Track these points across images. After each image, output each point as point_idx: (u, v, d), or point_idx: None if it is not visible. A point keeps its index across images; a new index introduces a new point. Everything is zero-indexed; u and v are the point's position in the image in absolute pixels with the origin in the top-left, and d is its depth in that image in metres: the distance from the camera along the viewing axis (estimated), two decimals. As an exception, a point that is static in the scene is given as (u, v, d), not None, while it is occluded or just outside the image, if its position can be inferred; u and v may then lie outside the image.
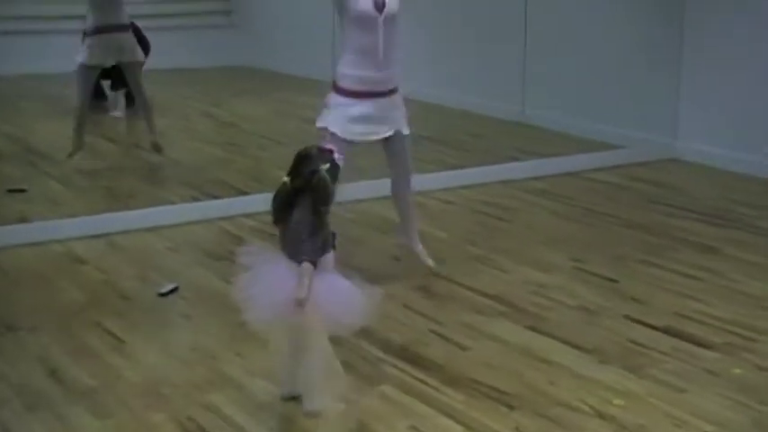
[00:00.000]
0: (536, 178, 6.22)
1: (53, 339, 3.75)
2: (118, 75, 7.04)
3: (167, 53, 8.67)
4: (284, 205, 3.14)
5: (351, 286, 3.11)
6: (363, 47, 4.04)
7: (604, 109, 7.25)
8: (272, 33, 10.45)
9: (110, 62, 6.51)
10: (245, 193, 5.79)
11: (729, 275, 4.48)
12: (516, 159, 6.65)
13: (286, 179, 3.14)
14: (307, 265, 3.06)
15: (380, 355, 3.59)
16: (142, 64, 6.56)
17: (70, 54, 6.36)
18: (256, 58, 10.09)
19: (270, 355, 3.34)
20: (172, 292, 4.24)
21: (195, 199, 5.72)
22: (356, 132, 4.11)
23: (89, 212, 5.37)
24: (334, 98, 4.16)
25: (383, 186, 4.63)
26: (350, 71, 4.09)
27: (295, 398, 3.20)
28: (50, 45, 8.41)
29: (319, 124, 4.18)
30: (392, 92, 4.20)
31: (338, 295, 3.10)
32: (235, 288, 3.16)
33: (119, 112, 8.15)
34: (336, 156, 3.19)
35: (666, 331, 3.83)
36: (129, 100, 7.74)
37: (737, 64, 6.42)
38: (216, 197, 5.72)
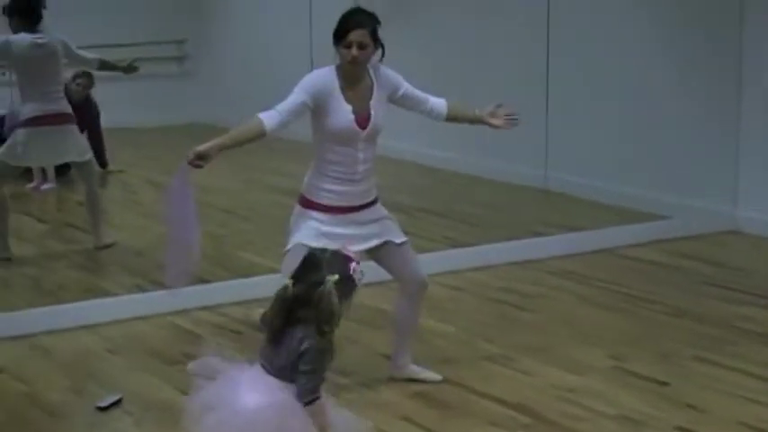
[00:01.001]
0: (563, 257, 6.26)
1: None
2: None
3: (110, 109, 8.79)
4: (282, 313, 3.18)
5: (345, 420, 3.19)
6: (340, 161, 4.23)
7: (645, 172, 7.34)
8: (234, 83, 10.59)
9: (47, 163, 6.61)
10: (203, 282, 5.78)
11: (804, 374, 4.49)
12: (539, 234, 6.69)
13: (288, 282, 3.20)
14: (320, 403, 3.14)
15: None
16: (91, 162, 6.66)
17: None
18: (214, 112, 10.17)
19: None
20: (114, 405, 4.21)
21: (141, 289, 5.71)
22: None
23: (8, 309, 5.36)
24: (303, 213, 4.26)
25: (370, 271, 4.63)
26: (324, 185, 4.25)
27: None
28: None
29: (288, 247, 4.24)
30: (371, 203, 4.35)
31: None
32: (189, 407, 3.16)
33: (49, 183, 8.21)
34: (353, 266, 3.23)
35: (730, 446, 3.83)
36: (61, 167, 7.80)
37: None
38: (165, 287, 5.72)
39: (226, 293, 5.60)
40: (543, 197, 7.84)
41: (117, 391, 4.33)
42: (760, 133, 6.78)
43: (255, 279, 5.65)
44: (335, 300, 3.14)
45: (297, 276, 3.20)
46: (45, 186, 8.19)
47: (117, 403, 4.23)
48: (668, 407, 4.17)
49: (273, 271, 4.76)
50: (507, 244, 6.43)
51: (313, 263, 3.21)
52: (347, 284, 3.19)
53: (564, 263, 6.16)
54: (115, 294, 5.63)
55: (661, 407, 4.17)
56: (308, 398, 3.12)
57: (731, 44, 6.85)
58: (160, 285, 5.66)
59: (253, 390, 3.13)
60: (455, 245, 6.43)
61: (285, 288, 3.18)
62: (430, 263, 5.55)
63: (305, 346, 3.12)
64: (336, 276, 3.15)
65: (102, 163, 8.64)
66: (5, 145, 6.32)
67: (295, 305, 3.16)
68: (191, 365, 3.20)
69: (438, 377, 4.46)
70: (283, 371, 3.15)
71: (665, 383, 4.41)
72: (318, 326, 3.14)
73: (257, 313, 3.54)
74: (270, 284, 4.38)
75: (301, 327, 3.15)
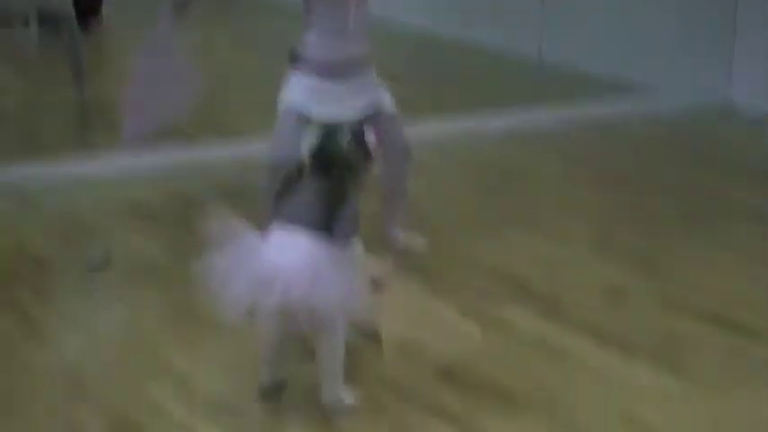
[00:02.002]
0: (553, 129, 6.22)
1: (-48, 319, 3.74)
2: None
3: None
4: (294, 181, 3.19)
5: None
6: (331, 28, 4.14)
7: (639, 46, 7.24)
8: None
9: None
10: (195, 141, 5.75)
11: (789, 252, 4.51)
12: (528, 106, 6.63)
13: (304, 152, 3.21)
14: (359, 245, 3.17)
15: (359, 344, 3.57)
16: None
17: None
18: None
19: (219, 340, 3.38)
20: (103, 262, 4.21)
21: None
22: (326, 114, 4.14)
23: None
24: (296, 79, 4.19)
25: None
26: (316, 53, 4.17)
27: (279, 387, 3.24)
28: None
29: (281, 107, 4.20)
30: (363, 70, 4.26)
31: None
32: (199, 270, 3.13)
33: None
34: (370, 139, 3.28)
35: (712, 320, 3.84)
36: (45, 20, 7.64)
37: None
38: (158, 145, 5.67)
39: (216, 154, 5.57)
40: (536, 70, 7.79)
41: (106, 248, 4.32)
42: (758, 10, 6.67)
43: (246, 140, 5.61)
44: (356, 159, 3.20)
45: (314, 153, 3.21)
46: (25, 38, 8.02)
47: (106, 261, 4.22)
48: (652, 280, 4.19)
49: (265, 133, 4.73)
50: (498, 115, 6.39)
51: (332, 130, 3.23)
52: (364, 150, 3.23)
53: (554, 135, 6.14)
54: (106, 151, 5.59)
55: (645, 280, 4.19)
56: (354, 235, 3.16)
57: None
58: (151, 143, 5.66)
59: (281, 247, 3.10)
60: (443, 112, 6.37)
61: (302, 162, 3.20)
62: (419, 132, 5.50)
63: (341, 193, 3.15)
64: (353, 140, 3.21)
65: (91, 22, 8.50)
66: None
67: (307, 174, 3.18)
68: (205, 229, 3.16)
69: (424, 246, 4.46)
70: (310, 223, 3.11)
71: (649, 257, 4.42)
72: (343, 183, 3.18)
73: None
74: (261, 147, 4.37)
75: (324, 180, 3.16)
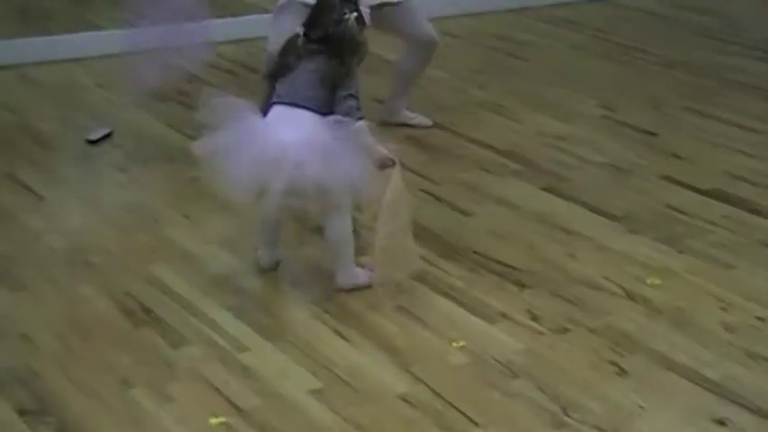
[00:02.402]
0: (558, 4, 6.16)
1: (-45, 195, 3.73)
2: None
3: None
4: (291, 58, 3.11)
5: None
6: None
7: None
8: None
9: None
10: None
11: (792, 127, 4.49)
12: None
13: (299, 30, 3.13)
14: (364, 124, 3.10)
15: (363, 219, 3.56)
16: None
17: None
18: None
19: (221, 218, 3.39)
20: (104, 138, 4.19)
21: (131, 24, 5.59)
22: None
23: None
24: None
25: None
26: None
27: (278, 265, 3.26)
28: None
29: None
30: None
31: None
32: (202, 148, 3.11)
33: None
34: (363, 8, 3.19)
35: (713, 195, 3.84)
36: None
37: None
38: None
39: (218, 32, 5.48)
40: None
41: (107, 124, 4.29)
42: None
43: (248, 17, 5.55)
44: (359, 32, 3.12)
45: (309, 22, 3.14)
46: None
47: (107, 137, 4.21)
48: (655, 156, 4.18)
49: (266, 10, 4.67)
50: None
51: (327, 5, 3.13)
52: (361, 23, 3.15)
53: (558, 10, 6.10)
54: (105, 28, 5.52)
55: (648, 156, 4.18)
56: (359, 114, 3.09)
57: None
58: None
59: (286, 125, 3.05)
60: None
61: (296, 35, 3.12)
62: (422, 6, 5.43)
63: (327, 70, 3.07)
64: (355, 13, 3.11)
65: None
66: None
67: (306, 50, 3.10)
68: (205, 109, 3.12)
69: (429, 122, 4.43)
70: (310, 101, 3.07)
71: (653, 133, 4.40)
72: (343, 59, 3.09)
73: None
74: (262, 23, 4.30)
75: (323, 57, 3.08)
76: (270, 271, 3.27)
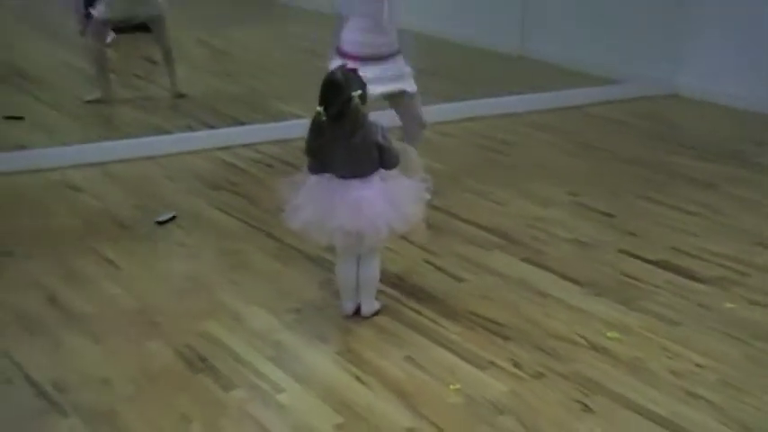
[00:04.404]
0: (537, 112, 6.18)
1: (50, 265, 3.75)
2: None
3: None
4: (319, 134, 3.11)
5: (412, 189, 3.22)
6: (369, 12, 4.11)
7: (605, 43, 7.17)
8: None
9: (130, 18, 6.10)
10: (241, 123, 5.75)
11: (726, 211, 4.48)
12: (517, 93, 6.58)
13: (320, 109, 3.08)
14: (407, 147, 3.22)
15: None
16: (165, 18, 6.25)
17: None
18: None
19: (263, 284, 3.34)
20: (169, 220, 4.23)
21: (190, 128, 5.68)
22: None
23: (85, 140, 5.34)
24: (337, 63, 4.17)
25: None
26: (355, 37, 4.15)
27: (359, 311, 3.33)
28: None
29: None
30: (394, 54, 4.26)
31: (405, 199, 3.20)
32: (292, 220, 3.16)
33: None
34: (370, 87, 3.19)
35: (661, 265, 3.84)
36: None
37: (743, -2, 6.35)
38: (211, 127, 5.69)
39: (261, 134, 5.57)
40: (521, 63, 7.71)
41: (172, 209, 4.35)
42: (701, 10, 6.60)
43: (285, 122, 5.61)
44: (362, 109, 3.09)
45: (324, 101, 3.08)
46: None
47: (171, 219, 4.25)
48: (614, 234, 4.19)
49: (300, 117, 4.71)
50: (490, 100, 6.34)
51: (334, 85, 3.08)
52: (364, 92, 3.10)
53: (537, 116, 6.10)
54: (170, 132, 5.60)
55: (608, 234, 4.19)
56: (398, 159, 3.15)
57: None
58: (206, 125, 5.67)
59: (345, 186, 3.11)
60: (448, 99, 6.33)
61: (318, 113, 3.07)
62: (427, 113, 5.49)
63: (369, 139, 3.10)
64: (359, 91, 3.08)
65: None
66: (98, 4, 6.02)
67: (330, 122, 3.08)
68: (278, 184, 3.18)
69: (429, 203, 4.43)
70: (358, 170, 3.12)
71: (612, 215, 4.41)
72: (351, 132, 3.09)
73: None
74: (297, 127, 4.38)
75: (345, 136, 3.09)
76: (300, 326, 3.26)
